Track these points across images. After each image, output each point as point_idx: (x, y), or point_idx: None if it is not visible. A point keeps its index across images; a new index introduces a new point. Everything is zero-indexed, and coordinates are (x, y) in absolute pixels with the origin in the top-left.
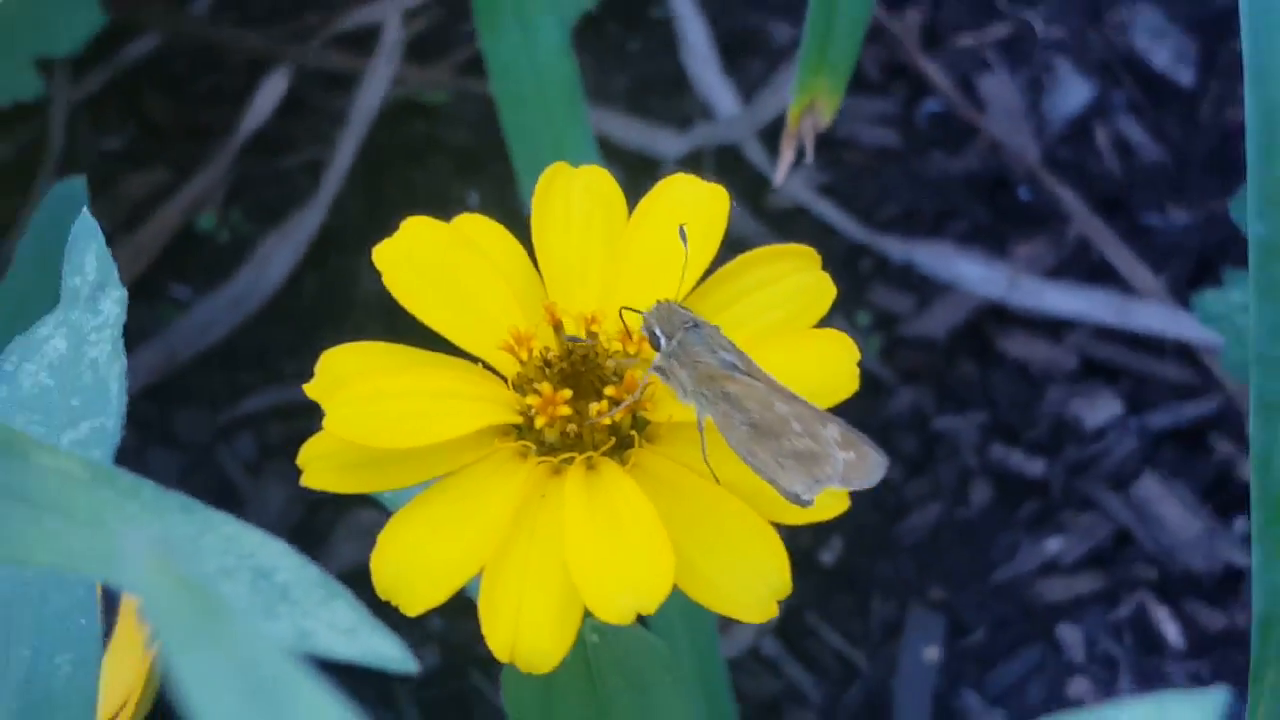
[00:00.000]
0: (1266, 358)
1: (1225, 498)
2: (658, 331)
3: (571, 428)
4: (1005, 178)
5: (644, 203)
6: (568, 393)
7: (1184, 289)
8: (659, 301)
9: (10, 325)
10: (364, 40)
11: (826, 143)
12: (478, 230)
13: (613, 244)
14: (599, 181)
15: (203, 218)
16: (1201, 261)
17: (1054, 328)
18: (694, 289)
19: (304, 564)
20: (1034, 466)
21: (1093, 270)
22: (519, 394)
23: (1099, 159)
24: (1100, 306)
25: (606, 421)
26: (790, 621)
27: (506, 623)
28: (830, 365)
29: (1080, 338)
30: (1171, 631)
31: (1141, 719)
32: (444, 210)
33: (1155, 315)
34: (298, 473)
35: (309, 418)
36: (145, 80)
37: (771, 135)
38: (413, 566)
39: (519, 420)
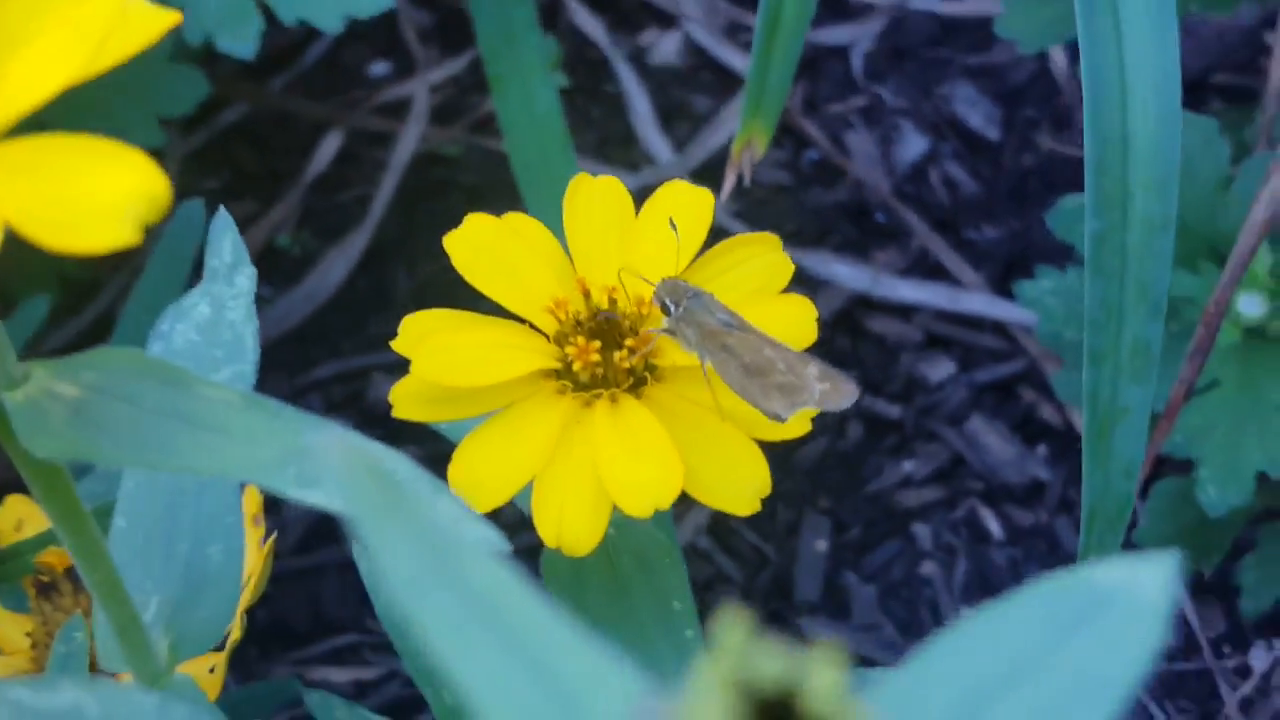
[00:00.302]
0: (1095, 321)
1: (1031, 431)
2: (667, 301)
3: (599, 371)
4: (866, 207)
5: (649, 202)
6: (597, 344)
7: (997, 283)
8: (665, 278)
9: (148, 312)
10: (398, 108)
11: (738, 183)
12: (522, 225)
13: (625, 233)
14: (613, 187)
15: (280, 238)
16: (1008, 263)
17: (905, 312)
18: (688, 267)
19: (416, 467)
20: (892, 411)
21: (931, 270)
22: (558, 346)
23: (933, 192)
24: (938, 296)
25: (626, 365)
26: (718, 523)
27: (553, 518)
28: (796, 320)
29: (924, 319)
30: (995, 527)
31: (1118, 579)
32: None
33: (978, 302)
34: (357, 424)
35: (364, 381)
36: (236, 137)
37: (699, 176)
38: (481, 476)
39: (559, 365)
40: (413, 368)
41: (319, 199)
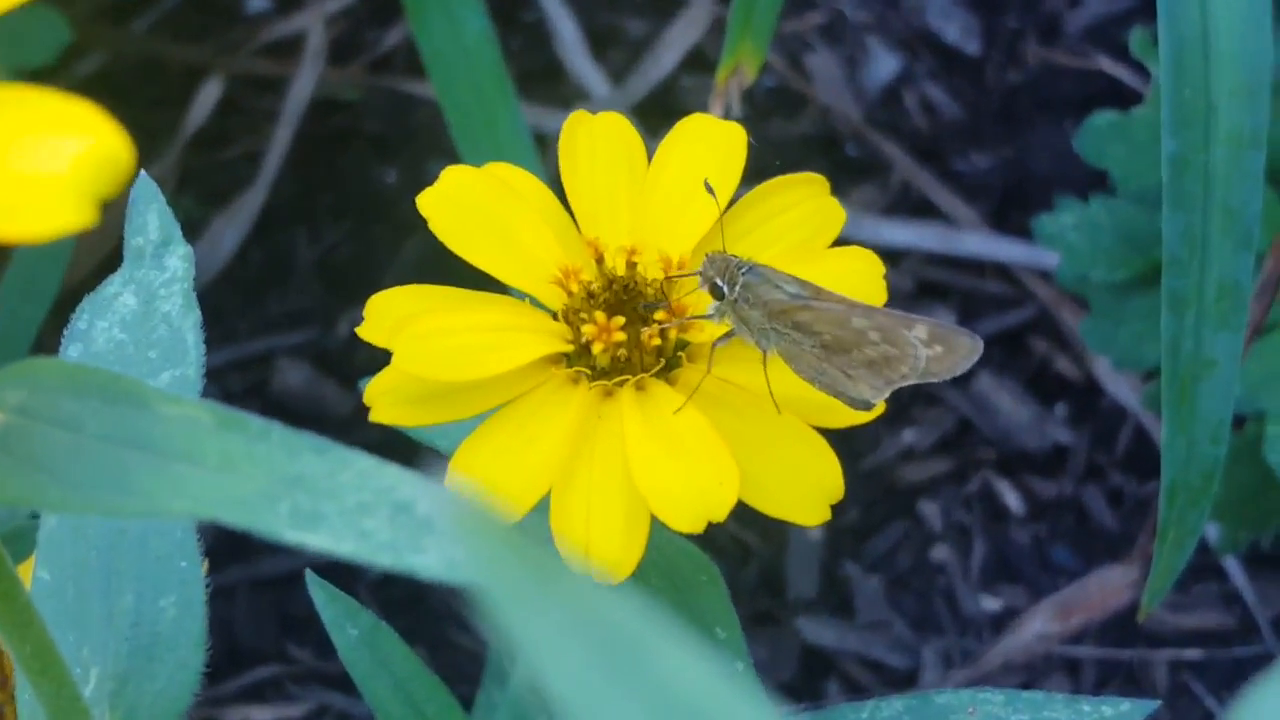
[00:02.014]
0: (1175, 259)
1: (1047, 387)
2: (720, 281)
3: (623, 352)
4: (835, 138)
5: (665, 141)
6: (621, 319)
7: (995, 219)
8: (709, 254)
9: (28, 302)
10: (286, 48)
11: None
12: (512, 177)
13: (637, 181)
14: (618, 125)
15: None
16: (1004, 196)
17: (891, 257)
18: (719, 220)
19: (444, 494)
20: None
21: (917, 208)
22: (569, 325)
23: (909, 118)
24: (929, 237)
25: (656, 343)
26: None
27: (578, 538)
28: (861, 279)
29: (914, 264)
30: (1013, 501)
31: None
32: (365, 189)
33: (975, 242)
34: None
35: (266, 368)
36: (96, 89)
37: (642, 112)
38: (487, 489)
39: (570, 348)
40: (396, 359)
41: (200, 157)
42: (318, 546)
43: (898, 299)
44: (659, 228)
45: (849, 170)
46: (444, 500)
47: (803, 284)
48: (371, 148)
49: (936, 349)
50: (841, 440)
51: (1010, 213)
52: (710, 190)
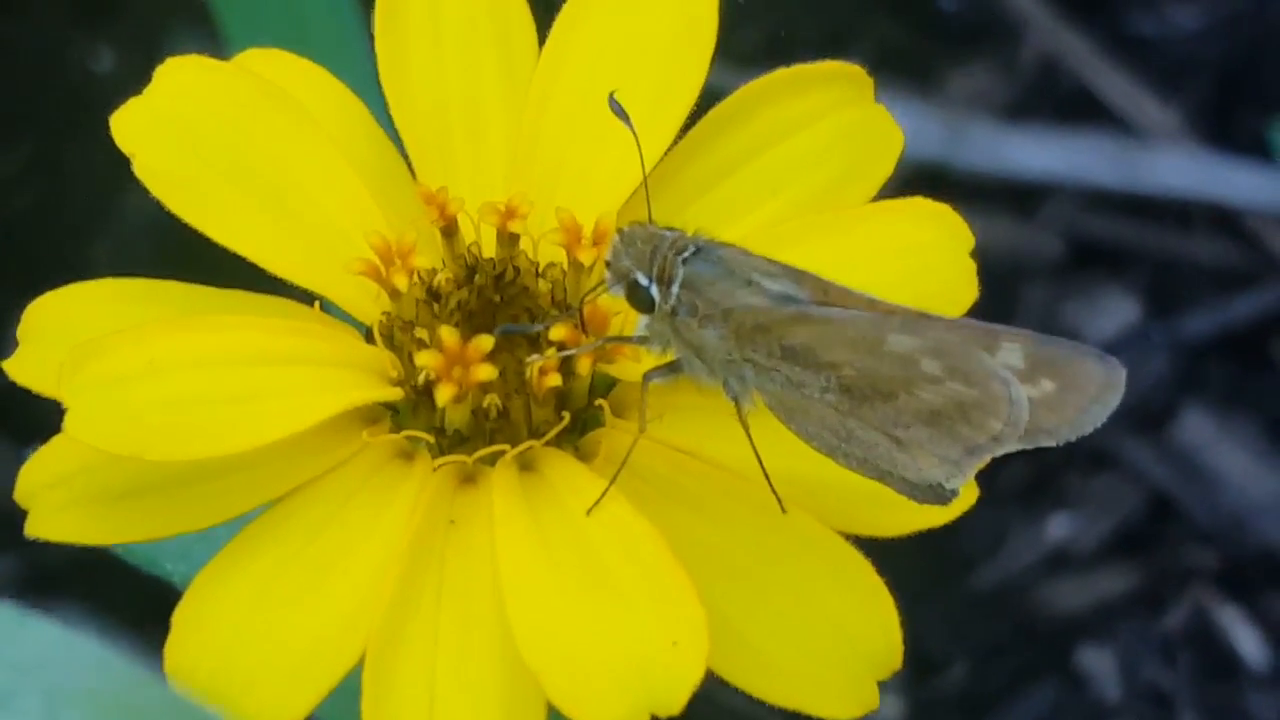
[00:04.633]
0: None
1: None
2: (639, 278)
3: (493, 401)
4: None
5: (567, 8)
6: (489, 342)
7: (1206, 126)
8: (624, 228)
9: None
10: None
11: None
12: (281, 75)
13: (518, 81)
14: None
15: None
16: (1226, 80)
17: (1022, 198)
18: (667, 152)
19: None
20: None
21: (1067, 105)
22: (392, 349)
23: None
24: (1090, 161)
25: (552, 384)
26: None
27: None
28: (927, 260)
29: (1063, 209)
30: (1248, 643)
31: None
32: (56, 85)
33: (1172, 166)
34: None
35: None
36: None
37: None
38: (247, 655)
39: (397, 395)
40: (69, 421)
41: None
42: None
43: (1040, 273)
44: (560, 166)
45: (945, 38)
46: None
47: (799, 275)
48: (64, 11)
49: (1045, 385)
50: (920, 540)
51: (1234, 116)
52: (619, 113)
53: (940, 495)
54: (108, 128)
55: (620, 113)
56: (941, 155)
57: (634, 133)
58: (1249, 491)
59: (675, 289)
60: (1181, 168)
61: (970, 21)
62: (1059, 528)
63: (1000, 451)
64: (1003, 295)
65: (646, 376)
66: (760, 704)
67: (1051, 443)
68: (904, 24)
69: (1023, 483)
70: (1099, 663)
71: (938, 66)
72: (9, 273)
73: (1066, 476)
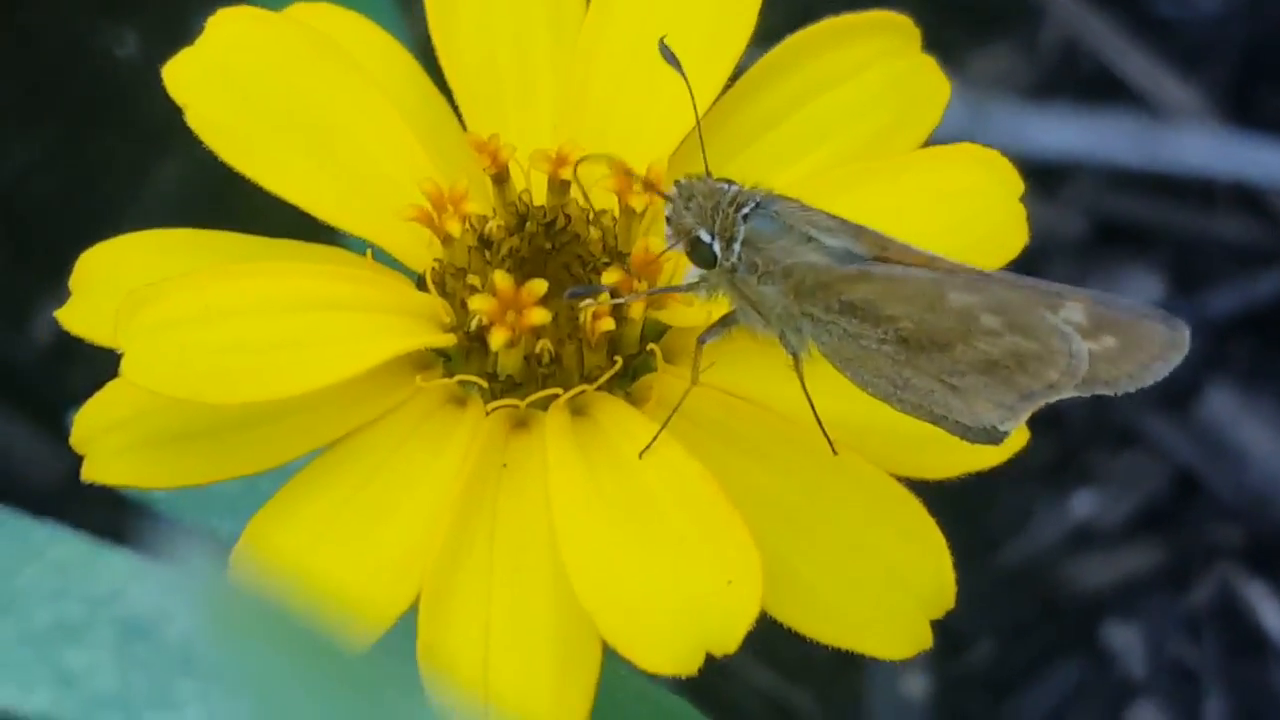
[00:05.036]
0: None
1: None
2: (702, 234)
3: (545, 346)
4: None
5: None
6: (543, 286)
7: (1229, 105)
8: (680, 181)
9: None
10: None
11: None
12: (334, 26)
13: (566, 33)
14: None
15: None
16: (1248, 59)
17: (1045, 178)
18: (715, 103)
19: (217, 600)
20: None
21: (1089, 85)
22: (444, 298)
23: None
24: (1113, 139)
25: (607, 329)
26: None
27: (471, 676)
28: (977, 207)
29: (1087, 187)
30: (1274, 618)
31: None
32: (84, 69)
33: (1194, 145)
34: None
35: None
36: None
37: None
38: (298, 595)
39: (450, 341)
40: (126, 366)
41: None
42: None
43: (1064, 251)
44: (610, 113)
45: (967, 19)
46: (216, 613)
47: (857, 230)
48: None
49: (1107, 341)
50: (954, 505)
51: (1256, 95)
52: (669, 58)
53: (993, 436)
54: (133, 112)
55: (671, 59)
56: (964, 135)
57: (685, 78)
58: (1274, 468)
59: (737, 247)
60: (1204, 146)
61: (992, 2)
62: (1084, 505)
63: (1055, 398)
64: (1027, 274)
65: (700, 339)
66: (789, 684)
67: (1109, 392)
68: (925, 4)
69: (1047, 460)
70: (1125, 639)
71: (959, 47)
72: (36, 256)
73: (1091, 454)
